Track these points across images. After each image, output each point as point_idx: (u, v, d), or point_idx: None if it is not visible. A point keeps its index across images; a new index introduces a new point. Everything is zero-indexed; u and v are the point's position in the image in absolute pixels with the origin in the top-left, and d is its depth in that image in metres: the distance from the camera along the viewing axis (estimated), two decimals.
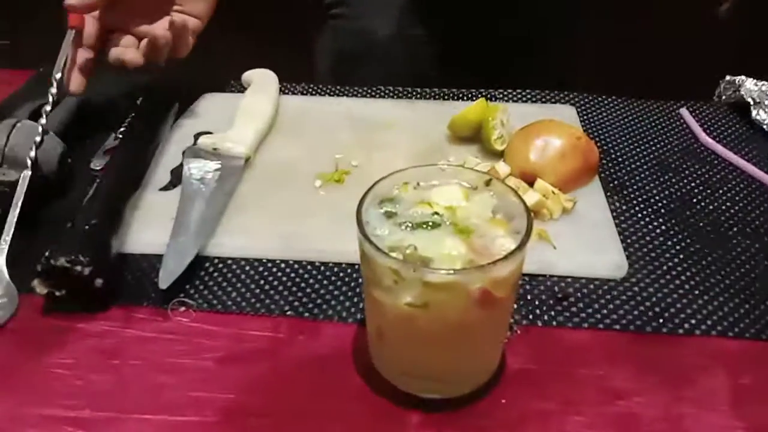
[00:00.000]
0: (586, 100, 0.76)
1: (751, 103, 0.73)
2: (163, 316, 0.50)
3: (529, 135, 0.61)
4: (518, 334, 0.48)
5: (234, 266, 0.54)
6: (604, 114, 0.75)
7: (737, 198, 0.62)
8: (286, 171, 0.65)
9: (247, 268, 0.54)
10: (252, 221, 0.58)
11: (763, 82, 0.75)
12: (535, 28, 0.85)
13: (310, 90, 0.78)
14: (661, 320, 0.49)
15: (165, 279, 0.50)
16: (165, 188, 0.63)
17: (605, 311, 0.50)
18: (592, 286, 0.52)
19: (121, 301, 0.51)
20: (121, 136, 0.68)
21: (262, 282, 0.53)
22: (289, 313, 0.50)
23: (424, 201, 0.43)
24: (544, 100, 0.76)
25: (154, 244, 0.56)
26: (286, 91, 0.78)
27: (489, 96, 0.76)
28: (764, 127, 0.71)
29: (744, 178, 0.65)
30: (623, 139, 0.71)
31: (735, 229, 0.59)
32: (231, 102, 0.75)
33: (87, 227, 0.51)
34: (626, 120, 0.74)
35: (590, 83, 0.91)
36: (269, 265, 0.55)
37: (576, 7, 0.87)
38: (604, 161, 0.67)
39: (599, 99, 0.77)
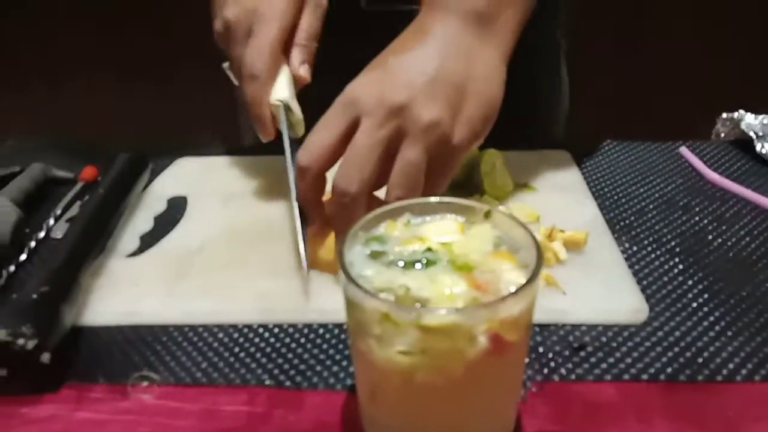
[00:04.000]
0: (580, 144, 0.72)
1: (754, 137, 0.69)
2: (121, 394, 0.43)
3: None
4: (533, 392, 0.42)
5: (205, 333, 0.48)
6: (600, 157, 0.71)
7: (756, 232, 0.57)
8: (263, 228, 0.59)
9: (220, 335, 0.48)
10: (225, 282, 0.52)
11: (762, 116, 0.71)
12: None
13: None
14: (695, 366, 0.43)
15: None
16: (133, 254, 0.57)
17: (629, 360, 0.44)
18: (610, 334, 0.46)
19: (74, 378, 0.44)
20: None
21: (236, 349, 0.46)
22: (267, 382, 0.43)
23: (415, 237, 0.37)
24: (534, 146, 0.72)
25: (115, 314, 0.50)
26: (263, 151, 0.73)
27: None
28: None
29: (760, 212, 0.60)
30: (623, 179, 0.66)
31: (760, 264, 0.53)
32: (206, 166, 0.71)
33: (35, 296, 0.45)
34: (624, 161, 0.70)
35: (572, 126, 0.89)
36: (245, 330, 0.48)
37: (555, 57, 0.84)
38: (607, 203, 0.62)
39: (593, 142, 0.73)
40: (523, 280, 0.33)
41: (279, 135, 0.58)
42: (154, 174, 0.70)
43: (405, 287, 0.33)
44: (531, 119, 0.81)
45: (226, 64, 0.63)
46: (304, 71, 0.59)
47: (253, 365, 0.45)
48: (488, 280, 0.34)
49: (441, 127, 0.46)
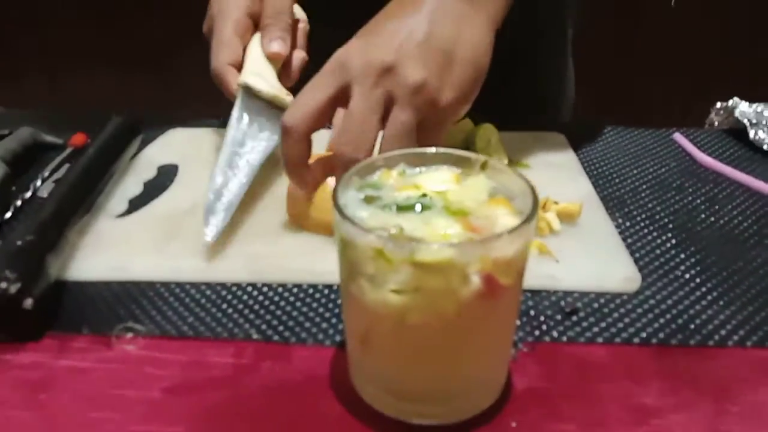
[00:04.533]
0: (576, 127, 0.72)
1: (748, 124, 0.70)
2: (105, 345, 0.42)
3: None
4: (524, 352, 0.41)
5: (192, 290, 0.47)
6: (596, 140, 0.71)
7: (748, 212, 0.57)
8: (255, 193, 0.58)
9: (208, 292, 0.47)
10: (218, 242, 0.51)
11: (756, 104, 0.72)
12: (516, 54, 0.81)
13: None
14: (687, 332, 0.43)
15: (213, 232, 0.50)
16: (122, 216, 0.57)
17: (621, 325, 0.44)
18: (602, 300, 0.46)
19: (57, 329, 0.43)
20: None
21: (224, 306, 0.46)
22: (255, 337, 0.43)
23: (410, 185, 0.37)
24: (531, 127, 0.71)
25: (101, 270, 0.49)
26: None
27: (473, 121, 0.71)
28: (765, 146, 0.68)
29: (752, 194, 0.60)
30: (617, 162, 0.66)
31: (752, 241, 0.53)
32: (197, 136, 0.71)
33: (20, 243, 0.44)
34: (618, 145, 0.70)
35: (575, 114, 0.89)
36: (234, 288, 0.47)
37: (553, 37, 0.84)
38: (600, 181, 0.62)
39: (589, 126, 0.73)
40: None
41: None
42: (145, 144, 0.69)
43: (399, 227, 0.33)
44: (536, 104, 0.81)
45: None
46: (276, 47, 0.59)
47: (241, 320, 0.44)
48: (483, 224, 0.34)
49: (428, 89, 0.46)
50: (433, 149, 0.39)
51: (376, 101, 0.45)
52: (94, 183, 0.56)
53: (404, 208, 0.35)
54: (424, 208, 0.35)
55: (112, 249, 0.51)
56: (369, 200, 0.36)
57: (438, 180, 0.37)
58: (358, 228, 0.32)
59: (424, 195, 0.36)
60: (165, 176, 0.63)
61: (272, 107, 0.57)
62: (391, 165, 0.38)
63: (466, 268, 0.31)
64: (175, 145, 0.69)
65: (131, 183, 0.62)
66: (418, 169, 0.39)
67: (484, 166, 0.38)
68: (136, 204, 0.58)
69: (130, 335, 0.43)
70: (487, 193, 0.37)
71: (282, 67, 0.60)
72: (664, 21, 1.89)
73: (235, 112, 0.56)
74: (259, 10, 0.60)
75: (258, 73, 0.57)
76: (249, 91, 0.56)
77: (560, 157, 0.66)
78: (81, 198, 0.54)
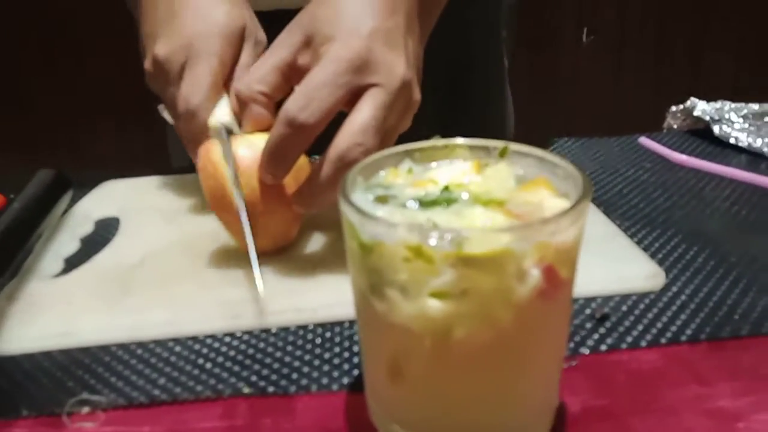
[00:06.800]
0: (540, 143, 0.69)
1: (710, 121, 0.69)
2: (54, 427, 0.33)
3: None
4: (566, 368, 0.36)
5: (158, 349, 0.39)
6: (563, 153, 0.68)
7: (740, 202, 0.55)
8: (215, 240, 0.51)
9: (178, 348, 0.39)
10: (177, 293, 0.44)
11: (712, 103, 0.71)
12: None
13: None
14: (733, 323, 0.38)
15: None
16: (59, 275, 0.48)
17: (660, 324, 0.39)
18: (630, 302, 0.41)
19: None
20: None
21: (200, 361, 0.38)
22: (246, 391, 0.35)
23: (425, 180, 0.31)
24: None
25: (40, 339, 0.40)
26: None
27: None
28: (731, 140, 0.67)
29: (737, 186, 0.58)
30: (592, 170, 0.63)
31: (754, 230, 0.50)
32: (136, 186, 0.63)
33: None
34: (585, 155, 0.67)
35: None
36: (208, 341, 0.40)
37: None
38: None
39: (551, 141, 0.71)
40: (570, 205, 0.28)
41: None
42: (76, 200, 0.60)
43: (431, 221, 0.27)
44: (478, 135, 0.79)
45: (161, 106, 0.55)
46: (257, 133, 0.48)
47: (225, 375, 0.36)
48: (527, 211, 0.28)
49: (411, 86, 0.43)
50: (442, 141, 0.34)
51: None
52: (19, 242, 0.48)
53: (428, 203, 0.29)
54: (450, 201, 0.29)
55: (50, 313, 0.42)
56: (382, 200, 0.30)
57: (455, 173, 0.32)
58: (386, 224, 0.25)
59: (447, 188, 0.30)
60: (105, 230, 0.55)
61: None
62: (396, 162, 0.33)
63: (523, 261, 0.25)
64: (113, 196, 0.61)
65: (65, 240, 0.53)
66: (425, 166, 0.33)
67: (503, 153, 0.33)
68: (73, 262, 0.50)
69: (86, 410, 0.34)
70: (513, 180, 0.31)
71: None
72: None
73: (231, 156, 0.46)
74: (234, 60, 0.51)
75: (228, 115, 0.49)
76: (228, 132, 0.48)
77: None
78: (6, 260, 0.45)
